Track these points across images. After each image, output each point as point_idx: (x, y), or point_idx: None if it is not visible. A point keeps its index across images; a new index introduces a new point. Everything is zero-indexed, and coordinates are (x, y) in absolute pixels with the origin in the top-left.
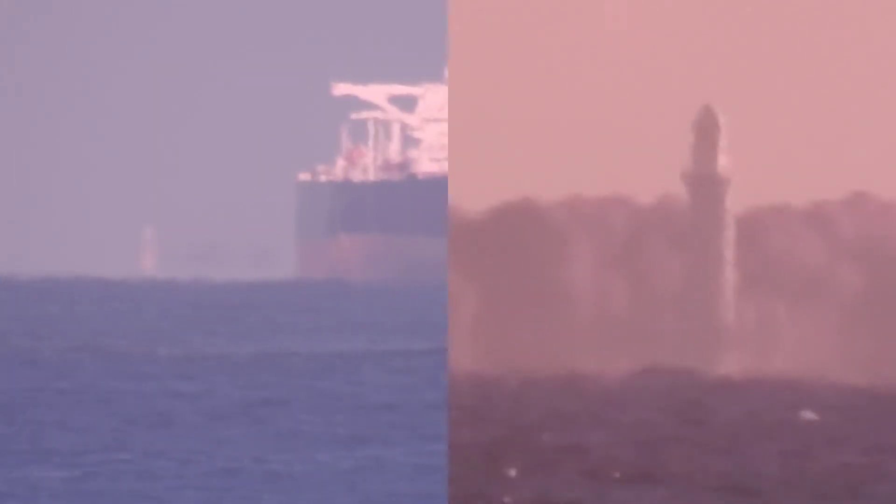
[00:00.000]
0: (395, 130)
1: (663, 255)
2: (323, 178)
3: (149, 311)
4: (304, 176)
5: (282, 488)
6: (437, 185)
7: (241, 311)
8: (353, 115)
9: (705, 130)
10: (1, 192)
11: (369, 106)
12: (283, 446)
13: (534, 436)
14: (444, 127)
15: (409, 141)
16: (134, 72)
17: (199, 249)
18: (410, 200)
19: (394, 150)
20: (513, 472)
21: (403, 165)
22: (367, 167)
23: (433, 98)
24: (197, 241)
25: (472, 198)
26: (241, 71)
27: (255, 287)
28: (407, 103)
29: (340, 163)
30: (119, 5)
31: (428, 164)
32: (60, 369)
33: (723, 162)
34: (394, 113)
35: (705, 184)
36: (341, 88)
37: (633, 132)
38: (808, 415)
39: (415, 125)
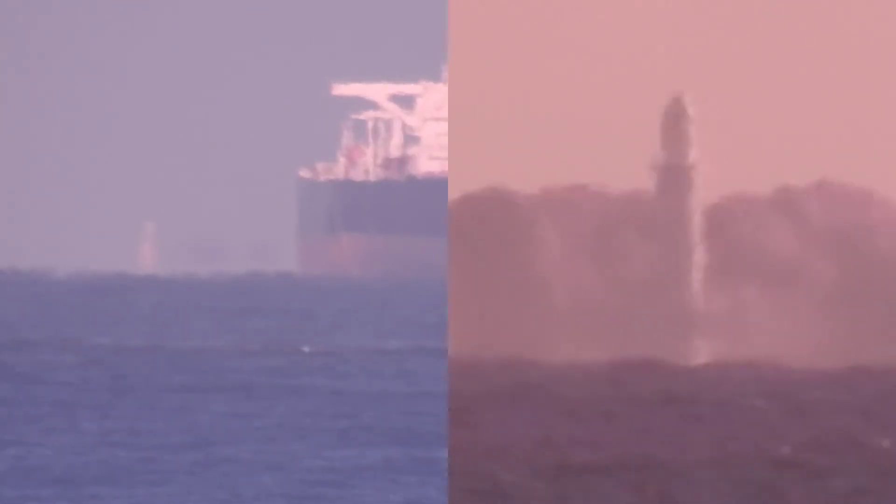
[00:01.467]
0: (395, 129)
1: (633, 245)
2: (324, 175)
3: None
4: (304, 173)
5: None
6: (437, 186)
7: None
8: (354, 115)
9: (674, 121)
10: (1, 187)
11: (369, 105)
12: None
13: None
14: (444, 126)
15: (408, 140)
16: (136, 69)
17: (199, 245)
18: (410, 201)
19: (394, 145)
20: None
21: (403, 161)
22: (367, 166)
23: (432, 97)
24: (197, 236)
25: (471, 191)
26: (242, 69)
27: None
28: (406, 102)
29: (341, 160)
30: (122, 3)
31: (427, 162)
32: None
33: (692, 152)
34: (393, 112)
35: (674, 174)
36: (341, 87)
37: (620, 123)
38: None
39: (414, 124)
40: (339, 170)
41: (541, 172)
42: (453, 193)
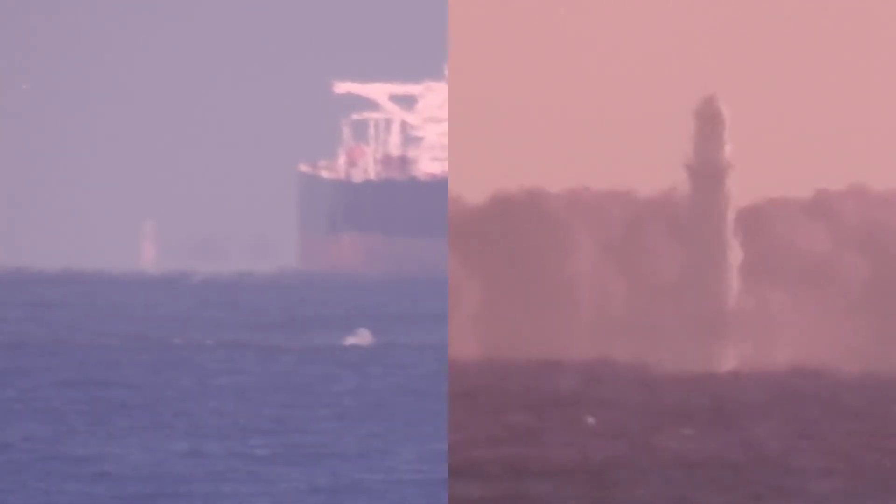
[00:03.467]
0: (396, 129)
1: (664, 247)
2: (325, 173)
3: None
4: (304, 167)
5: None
6: (439, 186)
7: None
8: (355, 115)
9: (708, 121)
10: (2, 186)
11: (370, 104)
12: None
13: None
14: (445, 126)
15: (409, 140)
16: (137, 67)
17: (199, 243)
18: (411, 201)
19: (394, 145)
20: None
21: (404, 160)
22: (367, 167)
23: (433, 97)
24: (198, 234)
25: (472, 189)
26: (243, 68)
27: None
28: (408, 102)
29: (342, 157)
30: (123, 1)
31: (429, 163)
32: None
33: (725, 152)
34: (394, 112)
35: (707, 174)
36: (342, 86)
37: (635, 124)
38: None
39: (415, 124)
40: (340, 167)
41: (541, 167)
42: (453, 193)
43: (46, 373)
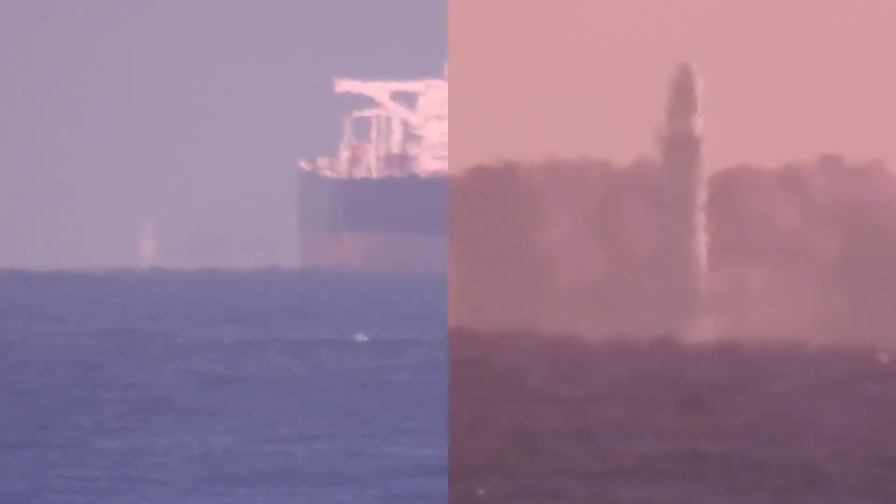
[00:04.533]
0: (397, 127)
1: (639, 218)
2: (326, 172)
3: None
4: (304, 164)
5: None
6: (440, 184)
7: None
8: (356, 113)
9: (681, 91)
10: (2, 185)
11: (371, 102)
12: None
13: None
14: (446, 125)
15: (410, 138)
16: (137, 65)
17: (200, 241)
18: (413, 199)
19: (395, 143)
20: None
21: (405, 157)
22: (369, 165)
23: (435, 95)
24: (198, 233)
25: (470, 165)
26: (244, 66)
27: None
28: (409, 100)
29: (344, 154)
30: (123, 0)
31: (430, 162)
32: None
33: (698, 123)
34: (396, 110)
35: (680, 145)
36: (344, 85)
37: (616, 97)
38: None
39: (417, 122)
40: (341, 165)
41: (545, 149)
42: (454, 168)
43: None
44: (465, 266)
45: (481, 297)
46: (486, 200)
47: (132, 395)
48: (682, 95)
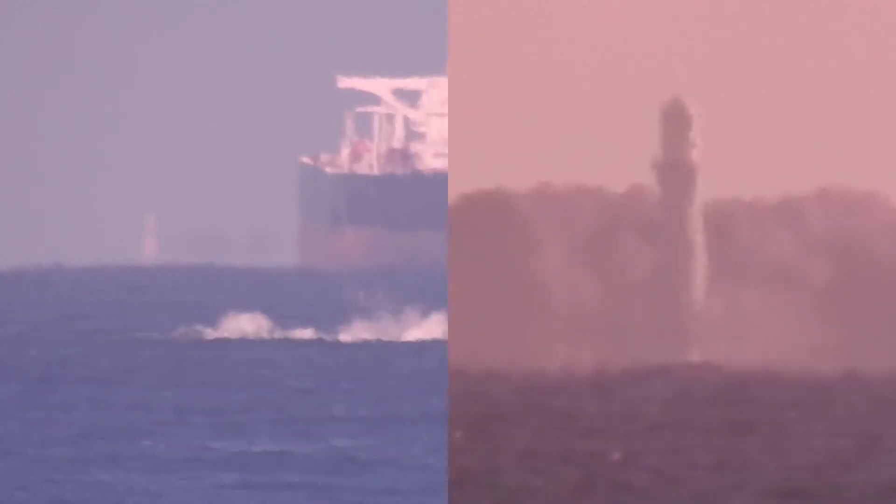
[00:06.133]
0: (399, 124)
1: (633, 246)
2: (328, 169)
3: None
4: (305, 159)
5: None
6: (442, 181)
7: None
8: (359, 109)
9: (675, 120)
10: (3, 184)
11: (374, 99)
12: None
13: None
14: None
15: (413, 136)
16: (139, 63)
17: (201, 237)
18: (414, 195)
19: (397, 140)
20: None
21: (406, 153)
22: (371, 162)
23: (437, 92)
24: (199, 228)
25: (472, 189)
26: (246, 63)
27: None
28: (411, 97)
29: (345, 150)
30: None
31: (432, 159)
32: None
33: (693, 153)
34: (398, 107)
35: (675, 173)
36: (346, 81)
37: (612, 125)
38: None
39: (419, 120)
40: (342, 161)
41: (540, 171)
42: (453, 192)
43: None
44: (464, 300)
45: (481, 335)
46: (484, 234)
47: None
48: (676, 125)
